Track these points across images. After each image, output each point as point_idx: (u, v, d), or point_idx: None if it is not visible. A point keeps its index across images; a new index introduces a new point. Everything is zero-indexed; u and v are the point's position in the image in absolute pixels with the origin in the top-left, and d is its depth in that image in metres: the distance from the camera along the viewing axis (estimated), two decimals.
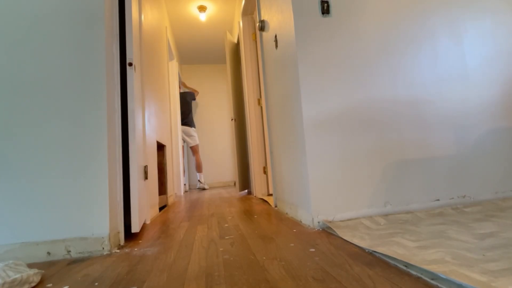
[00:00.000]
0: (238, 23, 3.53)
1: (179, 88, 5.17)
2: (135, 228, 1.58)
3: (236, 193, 3.89)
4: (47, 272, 1.10)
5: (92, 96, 1.40)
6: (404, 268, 0.86)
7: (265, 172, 3.14)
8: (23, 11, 1.39)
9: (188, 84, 5.95)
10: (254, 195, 3.19)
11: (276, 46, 2.00)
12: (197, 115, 5.99)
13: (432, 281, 0.75)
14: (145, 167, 1.94)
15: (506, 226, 1.16)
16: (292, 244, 1.21)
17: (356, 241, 1.15)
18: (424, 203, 1.60)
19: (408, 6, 1.73)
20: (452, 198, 1.64)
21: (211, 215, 2.15)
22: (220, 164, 5.94)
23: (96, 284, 0.94)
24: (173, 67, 4.44)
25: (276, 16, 1.97)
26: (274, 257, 1.06)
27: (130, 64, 1.67)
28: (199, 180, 5.15)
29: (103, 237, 1.32)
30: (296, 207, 1.75)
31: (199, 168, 5.05)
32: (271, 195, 3.06)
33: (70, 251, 1.29)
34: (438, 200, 1.62)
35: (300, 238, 1.30)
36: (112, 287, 0.91)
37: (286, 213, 1.96)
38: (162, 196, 2.78)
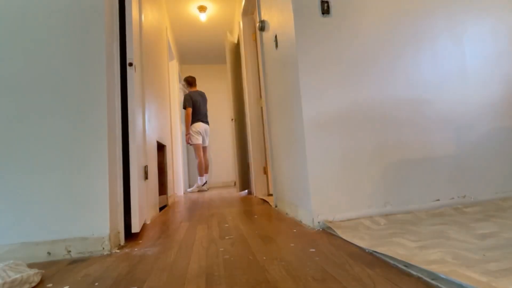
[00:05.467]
0: (238, 23, 3.53)
1: (191, 87, 4.74)
2: (135, 228, 1.58)
3: (236, 193, 3.89)
4: (47, 272, 1.10)
5: (92, 96, 1.40)
6: (404, 268, 0.86)
7: (265, 172, 3.14)
8: (22, 10, 1.39)
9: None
10: (254, 195, 3.19)
11: (276, 46, 2.00)
12: None
13: (432, 281, 0.75)
14: (145, 167, 1.94)
15: (506, 226, 1.16)
16: (292, 244, 1.21)
17: (356, 241, 1.15)
18: (424, 203, 1.60)
19: (408, 6, 1.73)
20: (453, 198, 1.64)
21: (211, 215, 2.15)
22: (220, 164, 5.95)
23: (97, 284, 0.94)
24: (173, 67, 4.44)
25: (276, 16, 1.97)
26: (274, 257, 1.06)
27: (130, 64, 1.67)
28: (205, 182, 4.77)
29: (103, 237, 1.32)
30: (296, 207, 1.75)
31: (207, 169, 4.75)
32: (271, 195, 3.06)
33: (70, 251, 1.29)
34: (438, 200, 1.62)
35: (300, 238, 1.30)
36: (112, 287, 0.91)
37: (286, 213, 1.96)
38: (162, 196, 2.78)
